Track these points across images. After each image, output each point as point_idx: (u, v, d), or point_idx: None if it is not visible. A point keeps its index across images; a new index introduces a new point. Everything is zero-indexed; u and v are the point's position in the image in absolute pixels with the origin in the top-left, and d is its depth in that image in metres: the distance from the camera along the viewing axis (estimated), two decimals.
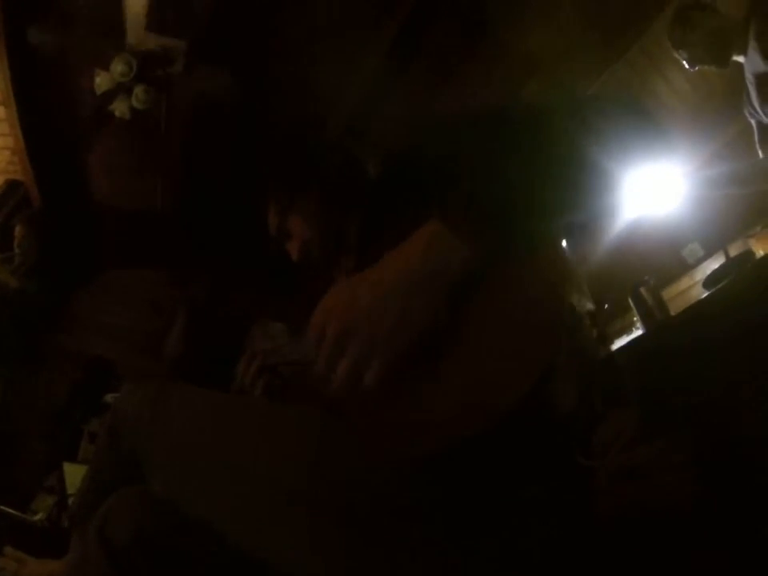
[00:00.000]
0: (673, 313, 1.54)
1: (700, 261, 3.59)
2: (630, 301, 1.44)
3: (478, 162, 0.62)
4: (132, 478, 0.77)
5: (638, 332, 3.27)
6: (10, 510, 2.62)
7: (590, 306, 0.68)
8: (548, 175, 0.56)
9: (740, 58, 1.86)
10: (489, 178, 0.57)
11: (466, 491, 0.58)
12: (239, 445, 0.69)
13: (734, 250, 3.40)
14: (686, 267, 3.66)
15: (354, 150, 1.08)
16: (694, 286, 3.64)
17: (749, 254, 1.78)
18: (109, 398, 3.75)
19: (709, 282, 1.31)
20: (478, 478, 0.58)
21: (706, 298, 1.07)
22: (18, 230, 3.56)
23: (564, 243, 0.61)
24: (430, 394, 0.56)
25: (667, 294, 3.71)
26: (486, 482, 0.58)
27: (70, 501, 3.05)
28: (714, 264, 3.52)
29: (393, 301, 0.53)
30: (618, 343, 3.29)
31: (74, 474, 3.21)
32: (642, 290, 1.39)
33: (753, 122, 1.92)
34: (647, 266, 3.75)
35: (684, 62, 1.99)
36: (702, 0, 1.91)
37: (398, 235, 0.81)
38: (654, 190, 3.44)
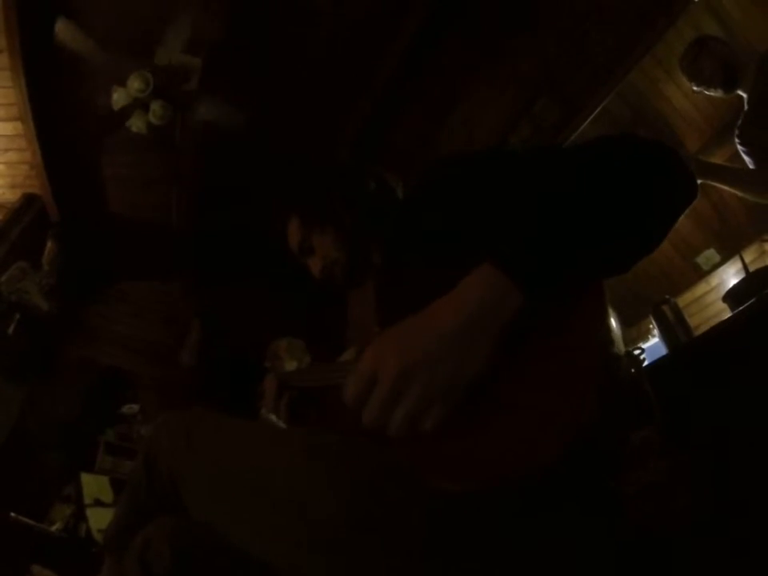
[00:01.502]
0: (691, 322, 1.53)
1: (715, 267, 3.57)
2: (651, 318, 1.44)
3: (519, 198, 0.62)
4: (168, 506, 0.78)
5: (654, 339, 3.26)
6: (28, 520, 2.65)
7: (615, 324, 0.68)
8: (597, 212, 0.55)
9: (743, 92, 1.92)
10: (546, 219, 0.56)
11: (498, 521, 0.58)
12: (276, 472, 0.70)
13: (749, 255, 3.37)
14: (701, 273, 3.64)
15: (385, 177, 1.09)
16: (710, 292, 3.62)
17: None
18: (125, 408, 3.80)
19: (731, 298, 1.30)
20: (513, 509, 0.58)
21: (733, 317, 1.07)
22: (49, 247, 3.55)
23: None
24: (475, 433, 0.56)
25: (682, 301, 3.70)
26: (520, 512, 0.58)
27: (87, 511, 3.08)
28: (729, 270, 3.50)
29: (451, 345, 0.53)
30: (634, 350, 3.29)
31: (90, 484, 3.24)
32: (664, 307, 1.39)
33: (743, 150, 1.97)
34: (661, 273, 3.73)
35: (689, 82, 2.04)
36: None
37: (423, 261, 0.81)
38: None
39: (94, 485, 3.29)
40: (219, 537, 0.72)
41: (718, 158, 3.49)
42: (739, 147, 1.99)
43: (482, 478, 0.53)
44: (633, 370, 0.63)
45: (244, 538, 0.71)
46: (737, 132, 1.99)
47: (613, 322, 0.70)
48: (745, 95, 1.97)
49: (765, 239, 3.31)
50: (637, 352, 0.64)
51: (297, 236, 1.08)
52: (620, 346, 0.68)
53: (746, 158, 1.96)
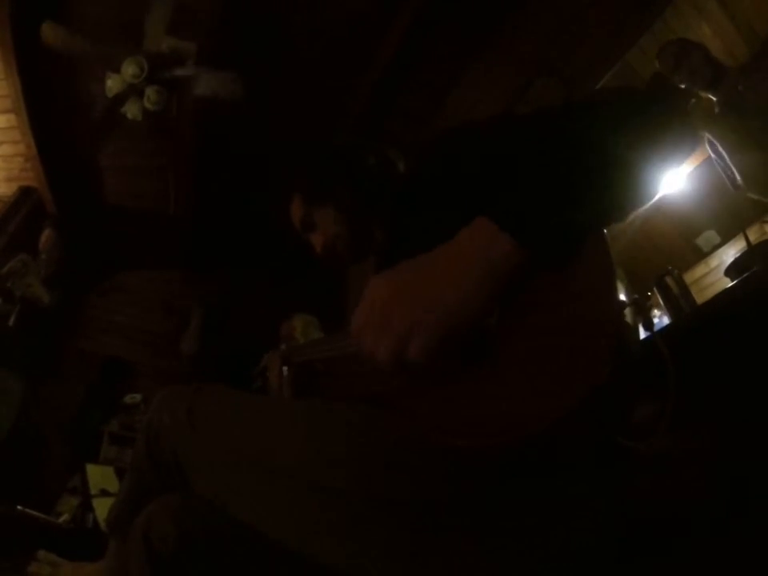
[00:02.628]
0: (697, 301, 1.53)
1: (715, 248, 3.56)
2: (654, 290, 1.44)
3: (526, 163, 0.61)
4: (171, 484, 0.78)
5: (656, 319, 3.26)
6: (36, 513, 2.65)
7: (634, 295, 0.67)
8: (599, 171, 0.56)
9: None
10: (541, 179, 0.56)
11: (515, 486, 0.58)
12: (283, 445, 0.69)
13: (750, 236, 3.36)
14: (701, 255, 3.64)
15: (386, 150, 1.08)
16: (709, 273, 3.62)
17: None
18: (127, 398, 3.80)
19: (732, 271, 1.30)
20: (528, 471, 0.58)
21: (733, 286, 1.06)
22: (45, 235, 3.49)
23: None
24: (480, 395, 0.56)
25: None
26: (536, 476, 0.58)
27: (93, 501, 3.10)
28: (729, 251, 3.49)
29: (445, 288, 0.53)
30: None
31: (96, 475, 3.25)
32: (667, 278, 1.38)
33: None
34: (661, 254, 3.72)
35: (671, 74, 2.18)
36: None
37: (425, 234, 0.80)
38: (666, 179, 3.41)
39: (99, 475, 3.30)
40: (224, 514, 0.71)
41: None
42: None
43: (495, 435, 0.53)
44: (639, 318, 0.62)
45: (250, 515, 0.70)
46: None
47: (620, 272, 0.69)
48: (714, 98, 2.12)
49: (765, 221, 3.31)
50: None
51: (299, 212, 1.07)
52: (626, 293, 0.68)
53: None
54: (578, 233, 0.55)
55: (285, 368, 1.07)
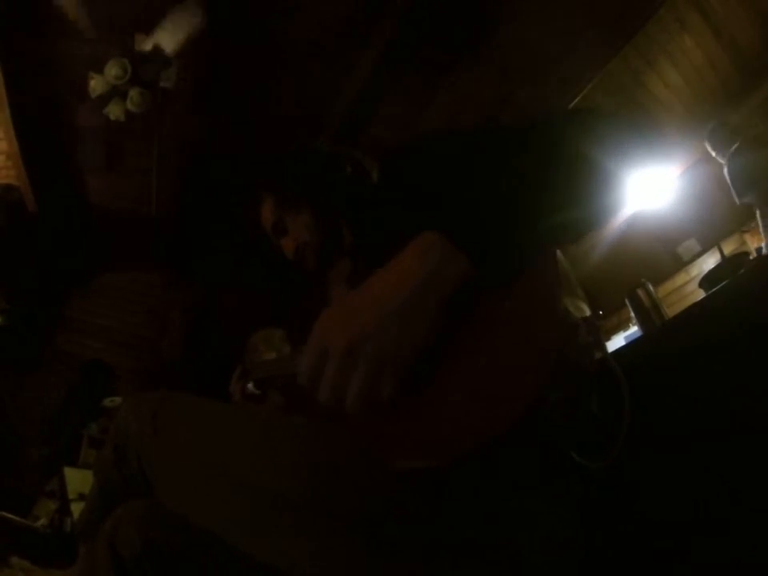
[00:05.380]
0: (669, 312, 1.54)
1: (695, 257, 3.61)
2: (626, 302, 1.45)
3: (475, 172, 0.62)
4: (138, 492, 0.77)
5: (633, 328, 3.30)
6: (13, 516, 2.61)
7: (585, 310, 0.68)
8: (547, 181, 0.56)
9: None
10: (487, 187, 0.57)
11: (464, 503, 0.58)
12: (239, 454, 0.69)
13: (729, 246, 3.42)
14: (681, 264, 3.68)
15: (359, 158, 1.08)
16: (689, 282, 3.67)
17: (744, 254, 1.81)
18: (107, 401, 3.75)
19: (706, 283, 1.32)
20: (477, 488, 0.58)
21: (704, 299, 1.08)
22: None
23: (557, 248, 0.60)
24: (429, 409, 0.56)
25: (662, 290, 3.73)
26: (485, 492, 0.58)
27: (72, 506, 3.05)
28: (709, 260, 3.55)
29: (394, 315, 0.52)
30: (614, 340, 3.33)
31: (74, 479, 3.20)
32: (639, 291, 1.40)
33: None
34: (642, 263, 3.77)
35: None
36: None
37: (395, 241, 0.81)
38: (647, 187, 3.46)
39: (77, 479, 3.24)
40: (189, 523, 0.71)
41: (698, 149, 3.53)
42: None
43: (440, 453, 0.53)
44: (590, 338, 0.63)
45: (210, 522, 0.70)
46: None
47: (573, 284, 0.70)
48: None
49: (744, 230, 3.36)
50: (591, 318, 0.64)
51: (270, 217, 1.07)
52: (580, 306, 0.68)
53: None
54: (533, 252, 0.55)
55: (249, 383, 1.08)
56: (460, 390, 0.54)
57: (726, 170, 2.35)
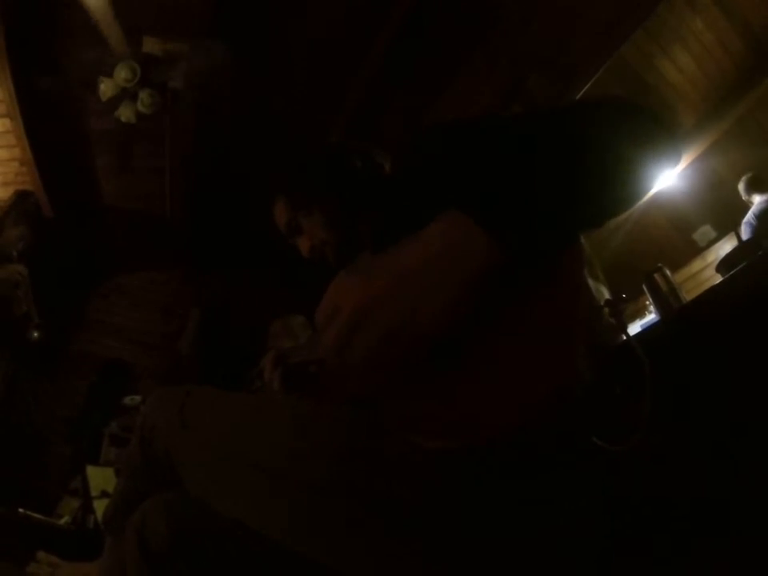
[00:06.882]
0: (686, 297, 1.53)
1: (711, 243, 3.56)
2: (643, 287, 1.44)
3: (500, 157, 0.61)
4: (165, 484, 0.79)
5: (650, 316, 3.26)
6: (37, 515, 2.66)
7: (607, 294, 0.67)
8: (574, 167, 0.55)
9: None
10: (514, 172, 0.56)
11: (488, 485, 0.58)
12: (268, 444, 0.70)
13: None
14: (698, 250, 3.64)
15: (370, 151, 1.08)
16: (705, 268, 3.62)
17: None
18: (127, 400, 3.81)
19: (722, 267, 1.30)
20: (502, 471, 0.58)
21: (721, 282, 1.07)
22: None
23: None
24: (463, 389, 0.56)
25: (679, 277, 3.69)
26: (509, 474, 0.58)
27: (94, 503, 3.11)
28: (725, 246, 3.50)
29: (410, 280, 0.51)
30: (632, 327, 3.29)
31: (97, 477, 3.26)
32: (656, 275, 1.39)
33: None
34: (658, 249, 3.72)
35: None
36: None
37: (416, 230, 0.81)
38: (663, 175, 3.41)
39: (100, 477, 3.30)
40: (218, 515, 0.72)
41: (712, 134, 3.47)
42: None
43: (468, 435, 0.53)
44: (613, 321, 0.62)
45: (241, 513, 0.71)
46: None
47: (602, 275, 0.69)
48: None
49: None
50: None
51: (283, 216, 1.07)
52: (601, 291, 0.68)
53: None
54: (562, 236, 0.55)
55: (279, 369, 1.08)
56: (494, 371, 0.54)
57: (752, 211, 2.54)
